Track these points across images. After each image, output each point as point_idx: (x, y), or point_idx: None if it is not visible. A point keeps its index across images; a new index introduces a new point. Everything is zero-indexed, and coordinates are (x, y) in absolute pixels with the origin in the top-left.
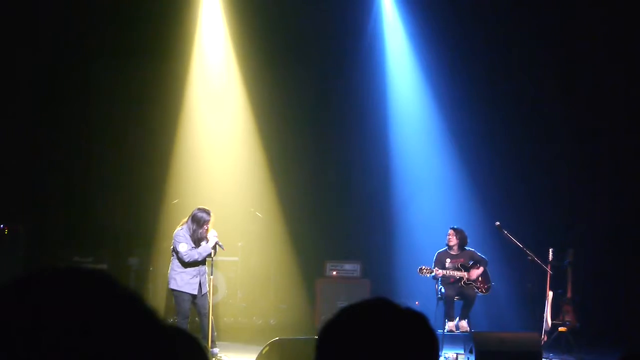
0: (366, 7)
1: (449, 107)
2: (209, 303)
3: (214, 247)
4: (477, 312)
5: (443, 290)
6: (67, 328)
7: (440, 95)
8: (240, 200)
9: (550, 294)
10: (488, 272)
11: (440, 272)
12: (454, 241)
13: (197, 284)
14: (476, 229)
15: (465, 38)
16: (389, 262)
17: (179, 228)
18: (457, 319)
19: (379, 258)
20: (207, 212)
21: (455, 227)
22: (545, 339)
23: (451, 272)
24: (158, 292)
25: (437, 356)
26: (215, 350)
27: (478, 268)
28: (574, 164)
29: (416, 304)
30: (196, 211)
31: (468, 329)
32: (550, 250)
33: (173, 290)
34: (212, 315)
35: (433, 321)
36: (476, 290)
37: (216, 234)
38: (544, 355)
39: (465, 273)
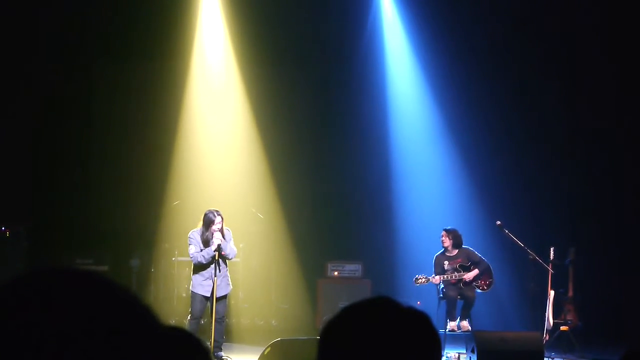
0: (365, 6)
1: (449, 106)
2: (223, 308)
3: (217, 250)
4: (479, 311)
5: (444, 289)
6: (63, 329)
7: (440, 94)
8: (241, 201)
9: (551, 293)
10: (491, 268)
11: (436, 279)
12: (447, 242)
13: (210, 287)
14: (477, 228)
15: (465, 36)
16: (390, 262)
17: (193, 230)
18: (458, 319)
19: (380, 258)
20: (214, 213)
21: (447, 228)
22: (547, 338)
23: (449, 276)
24: (159, 293)
25: (440, 356)
26: (221, 353)
27: (472, 269)
28: (574, 162)
29: (418, 304)
30: (206, 212)
31: (470, 328)
32: (552, 249)
33: (190, 290)
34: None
35: (434, 321)
36: (477, 289)
37: (220, 237)
38: (546, 354)
39: (465, 273)
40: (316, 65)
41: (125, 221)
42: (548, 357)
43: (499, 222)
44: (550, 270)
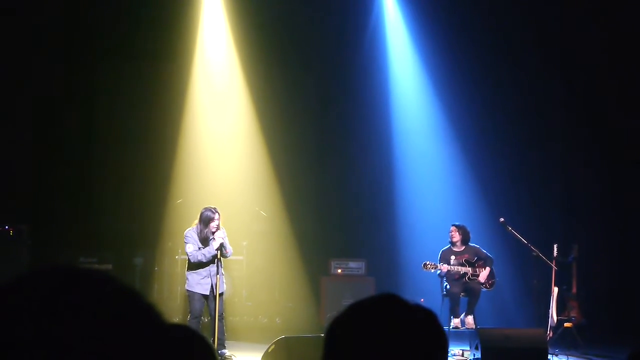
0: (368, 5)
1: (452, 104)
2: (221, 305)
3: (219, 248)
4: (483, 308)
5: (448, 286)
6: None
7: (443, 92)
8: (245, 200)
9: (555, 289)
10: (493, 269)
11: (445, 267)
12: (456, 237)
13: (209, 285)
14: (480, 225)
15: (468, 35)
16: (393, 259)
17: (189, 228)
18: (463, 314)
19: (384, 256)
20: (212, 210)
21: (457, 223)
22: (551, 334)
23: (456, 268)
24: (163, 291)
25: (446, 353)
26: (225, 351)
27: (485, 268)
28: (578, 160)
29: (421, 301)
30: (203, 210)
31: (474, 325)
32: (555, 246)
33: (186, 289)
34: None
35: (438, 318)
36: (481, 286)
37: (222, 235)
38: (550, 351)
39: (470, 268)
40: (319, 65)
41: (128, 220)
42: (552, 354)
43: (502, 219)
44: (554, 267)
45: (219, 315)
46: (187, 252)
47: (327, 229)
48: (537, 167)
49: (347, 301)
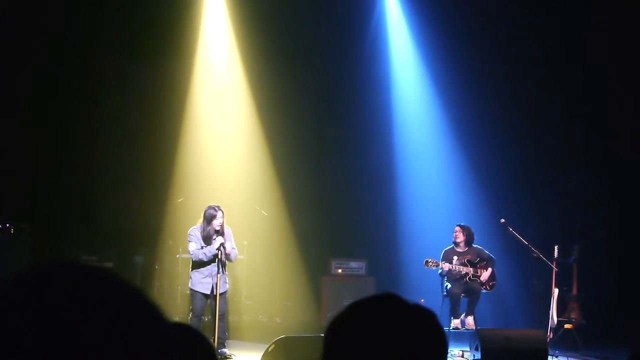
0: (370, 5)
1: (454, 104)
2: (224, 305)
3: (219, 248)
4: (483, 309)
5: (448, 287)
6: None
7: (444, 92)
8: (245, 199)
9: (555, 291)
10: (494, 270)
11: (446, 266)
12: (460, 238)
13: (210, 284)
14: (481, 226)
15: (470, 35)
16: (394, 259)
17: (193, 227)
18: (463, 315)
19: (385, 256)
20: (215, 208)
21: (462, 224)
22: (551, 336)
23: (457, 268)
24: (164, 290)
25: (446, 354)
26: (225, 350)
27: (487, 269)
28: (579, 161)
29: (421, 301)
30: (206, 208)
31: (474, 326)
32: (556, 247)
33: (189, 288)
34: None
35: (438, 318)
36: (481, 286)
37: (227, 234)
38: (550, 352)
39: (471, 269)
40: (320, 64)
41: (129, 218)
42: (552, 355)
43: (503, 220)
44: (555, 268)
45: (220, 315)
46: (189, 251)
47: (328, 228)
48: (538, 168)
49: (347, 301)
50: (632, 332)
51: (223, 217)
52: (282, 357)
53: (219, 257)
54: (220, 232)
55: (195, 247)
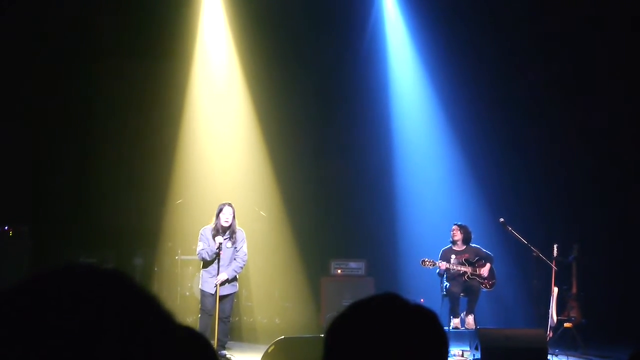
0: (367, 5)
1: (452, 104)
2: (228, 307)
3: (219, 248)
4: (482, 308)
5: (448, 286)
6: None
7: (443, 91)
8: (244, 200)
9: (555, 289)
10: (493, 268)
11: (443, 265)
12: (458, 236)
13: (215, 284)
14: (480, 225)
15: (468, 34)
16: (393, 259)
17: (205, 226)
18: (463, 313)
19: (384, 256)
20: (224, 204)
21: (459, 223)
22: (551, 335)
23: (455, 266)
24: (163, 292)
25: (447, 353)
26: (224, 352)
27: (484, 265)
28: (578, 160)
29: (421, 301)
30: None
31: (474, 325)
32: (555, 246)
33: (199, 287)
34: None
35: (439, 318)
36: (480, 284)
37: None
38: (550, 351)
39: (470, 268)
40: (318, 65)
41: (128, 220)
42: (552, 354)
43: (502, 219)
44: (554, 267)
45: (224, 317)
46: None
47: (327, 229)
48: (537, 166)
49: (346, 301)
50: (632, 330)
51: (233, 213)
52: (281, 358)
53: (219, 255)
54: (228, 228)
55: (200, 247)
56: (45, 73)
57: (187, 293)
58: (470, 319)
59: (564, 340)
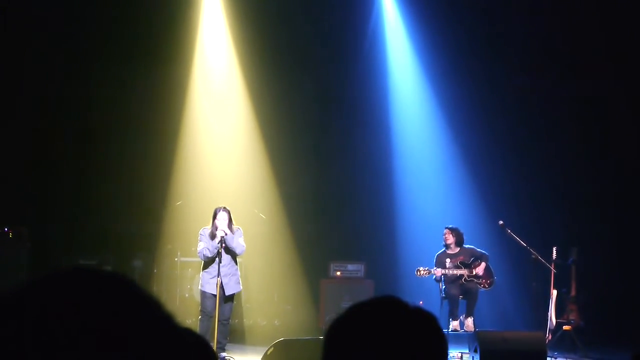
0: (367, 7)
1: (452, 106)
2: (228, 309)
3: (220, 242)
4: (481, 311)
5: (447, 288)
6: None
7: (442, 94)
8: (244, 202)
9: (554, 292)
10: (490, 266)
11: (438, 272)
12: (450, 239)
13: (216, 285)
14: (479, 228)
15: (467, 37)
16: (392, 262)
17: (205, 227)
18: (462, 316)
19: (383, 258)
20: (219, 207)
21: (450, 226)
22: (550, 337)
23: (451, 271)
24: (162, 294)
25: (446, 356)
26: (223, 354)
27: (480, 264)
28: (577, 162)
29: (420, 304)
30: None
31: (473, 328)
32: (554, 248)
33: (199, 288)
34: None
35: (438, 321)
36: (478, 286)
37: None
38: (549, 354)
39: (466, 270)
40: (318, 67)
41: (128, 222)
42: (551, 357)
43: (501, 222)
44: (553, 270)
45: (224, 319)
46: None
47: (326, 231)
48: (536, 169)
49: (346, 304)
50: (631, 333)
51: (229, 216)
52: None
53: (220, 251)
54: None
55: (201, 247)
56: (45, 75)
57: (187, 295)
58: (469, 322)
59: (562, 343)
